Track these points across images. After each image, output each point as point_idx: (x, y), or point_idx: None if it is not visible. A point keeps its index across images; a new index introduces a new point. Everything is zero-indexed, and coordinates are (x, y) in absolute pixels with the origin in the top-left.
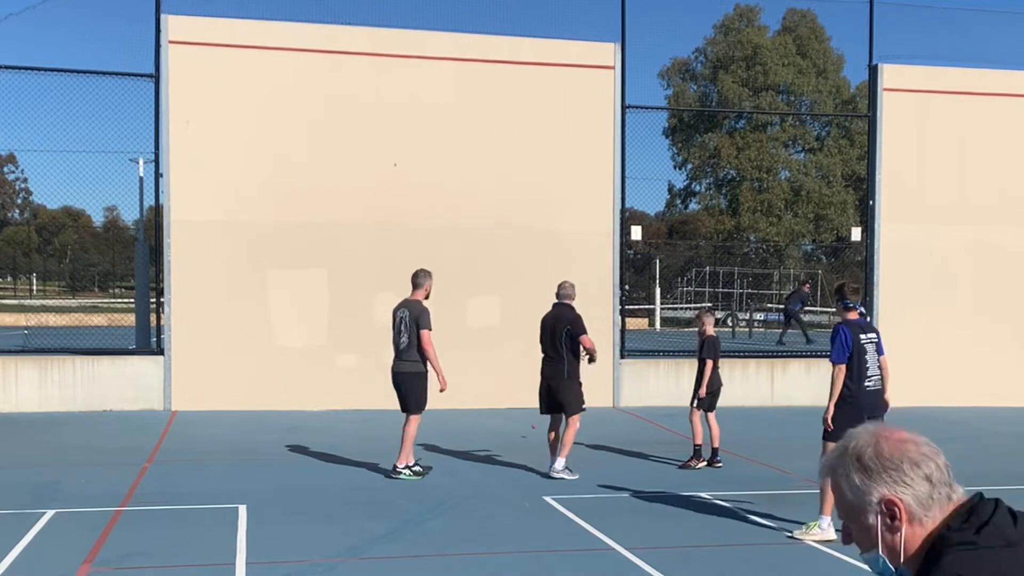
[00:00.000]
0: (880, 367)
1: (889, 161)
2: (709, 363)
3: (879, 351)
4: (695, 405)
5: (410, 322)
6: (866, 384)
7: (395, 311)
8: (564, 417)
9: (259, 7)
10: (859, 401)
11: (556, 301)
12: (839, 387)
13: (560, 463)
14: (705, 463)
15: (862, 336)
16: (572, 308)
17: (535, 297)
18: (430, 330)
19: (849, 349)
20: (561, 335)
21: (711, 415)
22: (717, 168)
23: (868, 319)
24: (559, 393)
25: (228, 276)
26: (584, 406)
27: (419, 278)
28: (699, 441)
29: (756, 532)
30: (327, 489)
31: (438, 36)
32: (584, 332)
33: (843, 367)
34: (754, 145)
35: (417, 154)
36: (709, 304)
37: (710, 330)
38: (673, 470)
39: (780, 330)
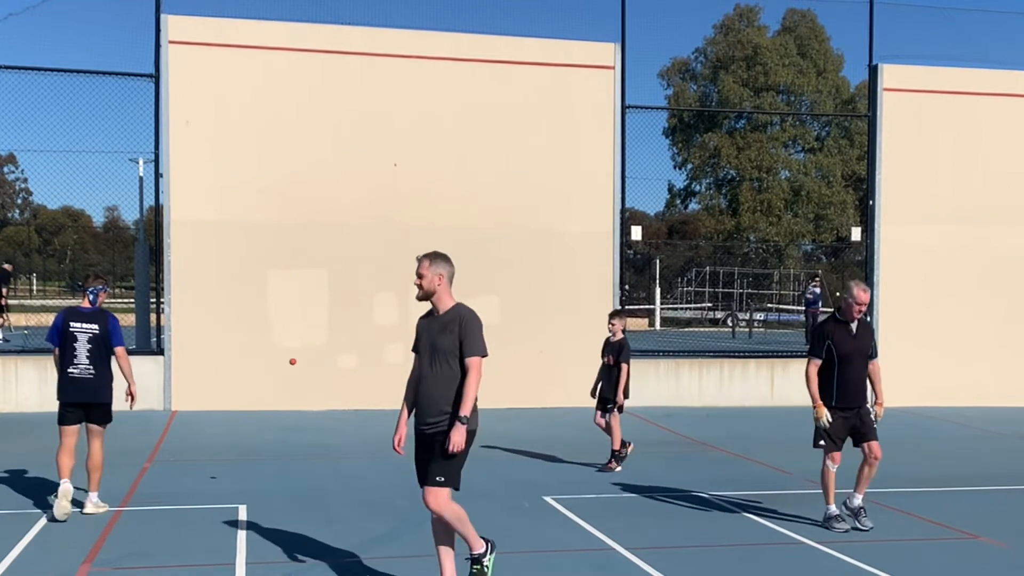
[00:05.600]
0: (89, 356)
1: (889, 161)
2: (624, 367)
3: (94, 342)
4: (618, 411)
5: None
6: (69, 371)
7: None
8: None
9: (259, 7)
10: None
11: None
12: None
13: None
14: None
15: (74, 324)
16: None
17: (536, 297)
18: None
19: (58, 332)
20: None
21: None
22: (717, 168)
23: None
24: None
25: (228, 276)
26: (820, 443)
27: None
28: (618, 445)
29: (756, 532)
30: (327, 489)
31: (438, 36)
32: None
33: (56, 350)
34: (754, 145)
35: (417, 154)
36: (619, 307)
37: (620, 333)
38: (673, 470)
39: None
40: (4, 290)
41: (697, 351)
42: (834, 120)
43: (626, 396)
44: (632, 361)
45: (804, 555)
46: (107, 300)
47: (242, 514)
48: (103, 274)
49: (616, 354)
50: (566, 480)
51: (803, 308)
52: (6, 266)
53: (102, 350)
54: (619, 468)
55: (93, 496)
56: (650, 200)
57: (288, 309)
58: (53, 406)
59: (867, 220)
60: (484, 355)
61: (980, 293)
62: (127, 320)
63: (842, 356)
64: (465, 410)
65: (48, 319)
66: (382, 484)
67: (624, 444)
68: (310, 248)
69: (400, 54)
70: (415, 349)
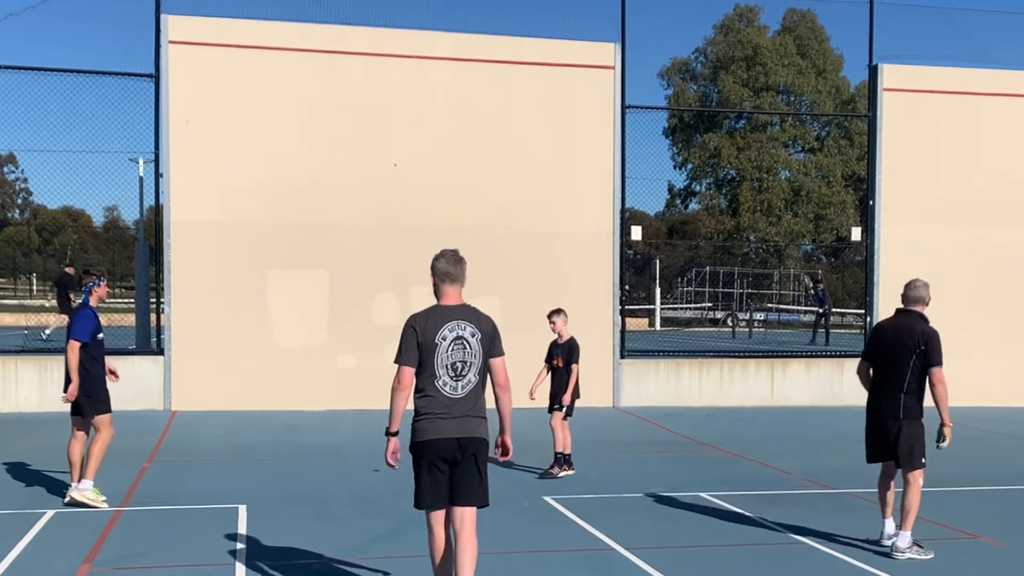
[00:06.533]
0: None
1: (889, 161)
2: (575, 367)
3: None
4: (565, 414)
5: None
6: None
7: None
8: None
9: (259, 7)
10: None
11: (901, 307)
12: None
13: (905, 539)
14: (572, 470)
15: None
16: (926, 319)
17: (535, 297)
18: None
19: (92, 329)
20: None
21: (566, 421)
22: (717, 168)
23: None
24: (898, 438)
25: (228, 276)
26: (923, 461)
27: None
28: (563, 448)
29: (756, 532)
30: (327, 489)
31: (438, 36)
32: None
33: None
34: (754, 145)
35: (417, 154)
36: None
37: (566, 333)
38: (673, 470)
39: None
40: (72, 294)
41: (697, 351)
42: (834, 120)
43: (576, 396)
44: (632, 361)
45: (804, 555)
46: (109, 300)
47: (242, 514)
48: (97, 271)
49: (567, 356)
50: (566, 480)
51: (819, 308)
52: (68, 270)
53: None
54: (568, 472)
55: (86, 483)
56: (650, 200)
57: (288, 309)
58: (53, 406)
59: (867, 220)
60: (397, 363)
61: (980, 293)
62: (127, 320)
63: None
64: (389, 421)
65: (48, 319)
66: (382, 484)
67: (566, 462)
68: (310, 248)
69: (400, 54)
70: None
